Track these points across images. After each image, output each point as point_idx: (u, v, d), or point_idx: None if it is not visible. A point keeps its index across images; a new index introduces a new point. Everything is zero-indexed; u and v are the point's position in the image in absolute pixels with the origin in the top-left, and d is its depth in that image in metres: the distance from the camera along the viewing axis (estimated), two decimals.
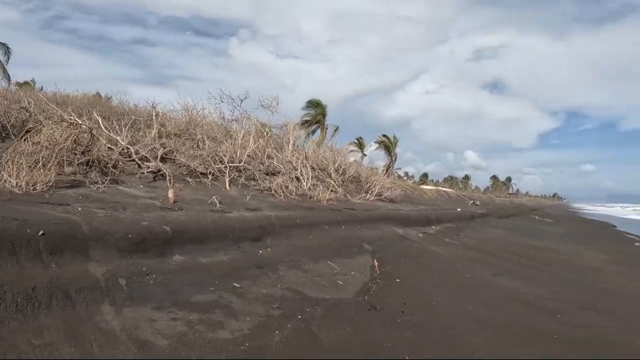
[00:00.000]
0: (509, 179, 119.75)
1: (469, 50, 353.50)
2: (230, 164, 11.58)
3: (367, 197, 15.74)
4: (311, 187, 12.53)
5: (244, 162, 12.14)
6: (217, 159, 11.51)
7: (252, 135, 13.50)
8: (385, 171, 50.74)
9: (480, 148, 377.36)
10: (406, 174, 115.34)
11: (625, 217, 57.84)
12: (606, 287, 8.47)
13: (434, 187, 50.59)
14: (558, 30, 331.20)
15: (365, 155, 53.88)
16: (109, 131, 10.15)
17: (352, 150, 48.15)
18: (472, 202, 36.00)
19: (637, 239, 22.37)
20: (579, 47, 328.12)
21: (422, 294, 6.98)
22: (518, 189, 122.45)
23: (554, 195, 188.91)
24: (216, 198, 8.91)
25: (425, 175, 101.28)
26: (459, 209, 20.34)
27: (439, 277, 8.19)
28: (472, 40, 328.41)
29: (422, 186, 54.40)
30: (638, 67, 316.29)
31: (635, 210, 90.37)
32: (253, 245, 7.19)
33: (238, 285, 5.80)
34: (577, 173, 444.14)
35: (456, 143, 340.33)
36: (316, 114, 36.15)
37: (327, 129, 35.28)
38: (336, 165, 15.23)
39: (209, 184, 10.41)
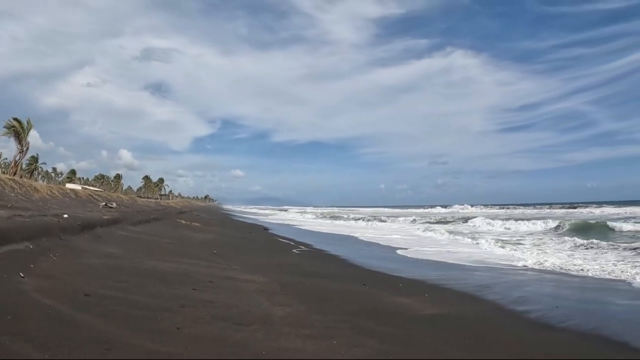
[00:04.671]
0: (161, 180, 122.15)
1: (140, 49, 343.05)
2: None
3: None
4: None
5: None
6: None
7: None
8: (13, 163, 41.10)
9: (135, 148, 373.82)
10: (54, 169, 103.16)
11: (274, 219, 64.84)
12: None
13: (78, 186, 43.36)
14: (227, 46, 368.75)
15: None
16: None
17: None
18: (104, 203, 29.53)
19: (292, 244, 21.92)
20: (243, 64, 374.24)
21: None
22: (171, 190, 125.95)
23: (206, 197, 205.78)
24: None
25: (73, 172, 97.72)
26: (65, 215, 14.22)
27: None
28: (144, 40, 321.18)
29: (67, 185, 45.50)
30: (288, 88, 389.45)
31: (290, 212, 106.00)
32: None
33: None
34: (229, 177, 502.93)
35: (112, 141, 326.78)
36: None
37: None
38: None
39: None
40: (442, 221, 45.05)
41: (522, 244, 21.72)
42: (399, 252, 20.17)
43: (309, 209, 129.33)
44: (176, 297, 7.35)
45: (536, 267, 14.56)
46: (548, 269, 14.11)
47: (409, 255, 18.54)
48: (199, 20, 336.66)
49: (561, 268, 14.13)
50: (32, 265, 7.43)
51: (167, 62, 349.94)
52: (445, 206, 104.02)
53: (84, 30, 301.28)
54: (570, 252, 18.22)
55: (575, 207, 70.74)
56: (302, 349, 5.36)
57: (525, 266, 14.84)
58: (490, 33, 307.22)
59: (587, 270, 13.45)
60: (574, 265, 14.56)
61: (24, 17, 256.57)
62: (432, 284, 11.44)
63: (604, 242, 19.95)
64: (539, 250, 19.43)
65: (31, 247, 8.72)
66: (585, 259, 16.15)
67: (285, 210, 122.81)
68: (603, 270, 13.27)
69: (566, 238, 23.54)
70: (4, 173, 32.84)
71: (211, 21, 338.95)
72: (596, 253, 17.57)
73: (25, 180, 26.79)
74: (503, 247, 20.85)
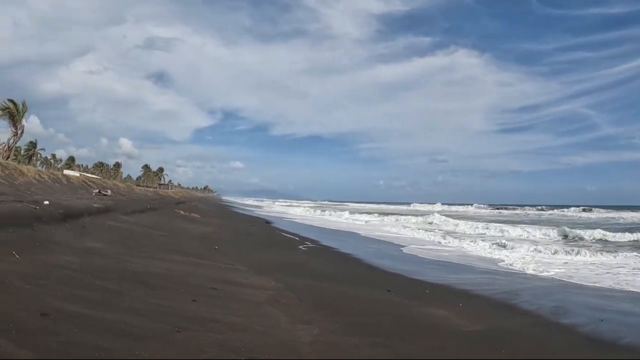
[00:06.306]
0: (161, 170, 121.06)
1: (142, 38, 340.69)
2: None
3: None
4: None
5: None
6: None
7: None
8: (7, 146, 39.51)
9: (135, 137, 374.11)
10: (53, 156, 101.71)
11: (273, 212, 63.18)
12: None
13: (76, 173, 41.69)
14: (229, 37, 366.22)
15: None
16: None
17: None
18: (97, 191, 27.65)
19: (297, 239, 20.32)
20: (245, 55, 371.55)
21: None
22: (170, 180, 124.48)
23: (205, 187, 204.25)
24: None
25: (71, 159, 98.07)
26: (46, 202, 12.34)
27: None
28: (147, 29, 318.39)
29: (65, 171, 43.88)
30: (289, 82, 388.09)
31: (288, 205, 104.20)
32: None
33: None
34: (227, 168, 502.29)
35: (112, 129, 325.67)
36: None
37: None
38: None
39: None
40: (442, 217, 43.04)
41: (526, 248, 19.83)
42: (406, 250, 18.71)
43: (307, 203, 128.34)
44: (169, 313, 5.48)
45: (549, 274, 13.13)
46: (560, 277, 12.70)
47: (420, 255, 17.00)
48: (202, 10, 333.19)
49: (571, 277, 12.73)
50: None
51: (169, 51, 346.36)
52: (443, 204, 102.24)
53: (86, 17, 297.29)
54: (577, 260, 16.70)
55: (568, 209, 68.47)
56: None
57: (548, 273, 13.36)
58: (494, 33, 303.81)
59: (601, 282, 12.05)
60: (587, 274, 13.34)
61: (26, 2, 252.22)
62: (458, 289, 9.98)
63: (609, 253, 18.16)
64: (546, 255, 17.88)
65: None
66: (591, 267, 14.83)
67: (284, 203, 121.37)
68: (616, 282, 11.86)
69: (570, 245, 21.99)
70: None
71: (214, 11, 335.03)
72: (602, 263, 15.94)
73: (10, 162, 24.83)
74: (506, 250, 19.51)
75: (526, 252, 18.66)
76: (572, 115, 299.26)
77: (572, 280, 11.96)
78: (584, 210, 67.13)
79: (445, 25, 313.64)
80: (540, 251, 18.83)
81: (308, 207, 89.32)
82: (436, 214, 44.47)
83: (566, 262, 15.72)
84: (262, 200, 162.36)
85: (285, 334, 5.56)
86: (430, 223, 38.94)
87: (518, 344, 6.04)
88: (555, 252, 18.33)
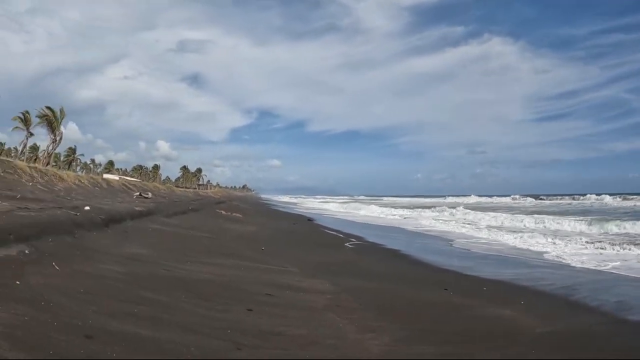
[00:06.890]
0: (199, 170, 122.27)
1: (175, 41, 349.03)
2: None
3: None
4: None
5: None
6: None
7: None
8: (47, 152, 40.83)
9: (172, 139, 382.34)
10: (92, 161, 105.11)
11: (313, 208, 62.62)
12: None
13: (116, 177, 42.75)
14: (260, 36, 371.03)
15: (32, 134, 41.42)
16: None
17: (16, 127, 41.00)
18: (138, 194, 27.79)
19: (343, 237, 19.68)
20: (278, 54, 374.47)
21: None
22: (209, 180, 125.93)
23: (244, 186, 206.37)
24: None
25: (111, 163, 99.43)
26: (87, 207, 12.08)
27: None
28: (179, 32, 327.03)
29: (105, 175, 45.01)
30: (323, 78, 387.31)
31: (323, 201, 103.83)
32: None
33: None
34: (265, 166, 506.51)
35: (149, 132, 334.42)
36: None
37: None
38: None
39: None
40: (466, 210, 41.46)
41: (569, 240, 18.39)
42: (455, 245, 17.79)
43: (342, 199, 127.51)
44: (226, 327, 4.87)
45: (599, 267, 12.19)
46: (610, 269, 11.83)
47: (471, 250, 16.16)
48: (233, 11, 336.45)
49: (621, 269, 11.79)
50: (17, 282, 5.07)
51: (202, 53, 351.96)
52: (480, 196, 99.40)
53: (118, 24, 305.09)
54: (625, 252, 15.30)
55: (611, 197, 64.19)
56: None
57: (598, 266, 12.38)
58: (527, 19, 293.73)
59: None
60: (638, 265, 12.34)
61: (58, 12, 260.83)
62: (515, 285, 9.50)
63: None
64: (591, 247, 16.52)
65: (27, 251, 6.42)
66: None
67: (320, 199, 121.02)
68: None
69: (615, 236, 20.24)
70: (34, 162, 31.60)
71: (244, 11, 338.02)
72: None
73: (50, 168, 25.10)
74: (549, 242, 18.14)
75: (570, 244, 17.43)
76: (611, 101, 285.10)
77: (623, 273, 11.18)
78: (624, 198, 62.95)
79: (477, 13, 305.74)
80: (584, 243, 17.57)
81: (342, 202, 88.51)
82: (461, 207, 43.96)
83: (616, 254, 14.73)
84: (296, 197, 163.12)
85: (355, 345, 4.99)
86: (453, 215, 38.35)
87: (597, 344, 5.61)
88: (601, 244, 17.02)
